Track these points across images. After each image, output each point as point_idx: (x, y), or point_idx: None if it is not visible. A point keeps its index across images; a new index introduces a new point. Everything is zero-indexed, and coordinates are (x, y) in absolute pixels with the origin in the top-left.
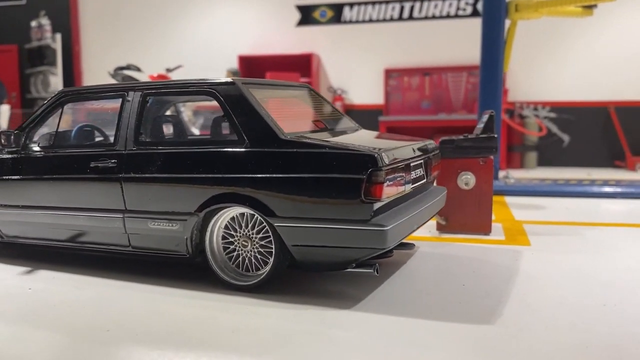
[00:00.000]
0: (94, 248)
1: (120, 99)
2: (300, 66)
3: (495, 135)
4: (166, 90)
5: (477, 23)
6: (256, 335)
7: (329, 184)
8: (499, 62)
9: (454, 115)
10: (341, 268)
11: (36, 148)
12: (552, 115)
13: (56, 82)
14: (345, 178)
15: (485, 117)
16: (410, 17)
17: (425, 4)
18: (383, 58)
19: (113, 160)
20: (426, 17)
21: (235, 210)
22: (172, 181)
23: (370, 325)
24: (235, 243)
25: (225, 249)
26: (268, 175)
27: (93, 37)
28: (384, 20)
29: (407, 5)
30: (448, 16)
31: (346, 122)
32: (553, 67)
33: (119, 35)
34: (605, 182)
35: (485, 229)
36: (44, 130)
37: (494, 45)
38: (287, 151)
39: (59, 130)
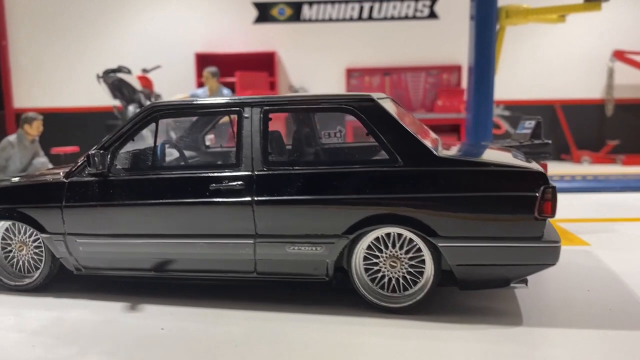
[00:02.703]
0: (204, 277)
1: (235, 115)
2: (262, 65)
3: (550, 142)
4: (292, 107)
5: (434, 25)
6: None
7: (498, 202)
8: (491, 65)
9: (414, 114)
10: (503, 285)
11: (127, 169)
12: (507, 113)
13: None
14: (517, 196)
15: (530, 124)
16: (370, 18)
17: (384, 4)
18: (344, 57)
19: (240, 183)
20: (385, 18)
21: (381, 231)
22: (316, 203)
23: (567, 341)
24: (381, 264)
25: (367, 270)
26: (429, 195)
27: (22, 32)
28: (344, 19)
29: (367, 6)
30: (406, 17)
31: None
32: (507, 68)
33: (53, 30)
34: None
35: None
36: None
37: (487, 48)
38: (449, 169)
39: (142, 148)
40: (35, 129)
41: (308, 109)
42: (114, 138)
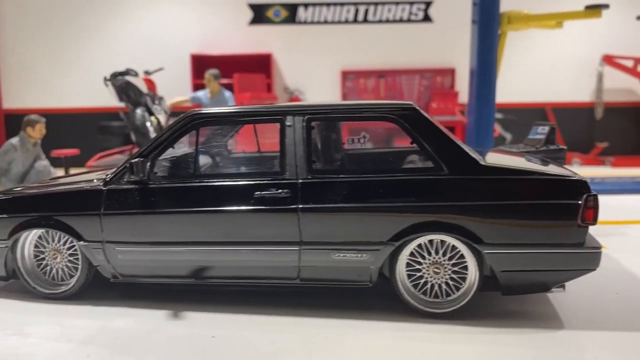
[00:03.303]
0: (244, 283)
1: (278, 124)
2: (257, 66)
3: (565, 147)
4: (335, 116)
5: (428, 28)
6: None
7: (543, 210)
8: (492, 69)
9: None
10: (544, 290)
11: (167, 177)
12: (499, 116)
13: None
14: (562, 204)
15: (544, 129)
16: (365, 20)
17: (380, 7)
18: (339, 60)
19: (285, 190)
20: (380, 21)
21: (425, 238)
22: (362, 211)
23: (613, 344)
24: (424, 270)
25: (409, 276)
26: (475, 203)
27: (10, 32)
28: (340, 22)
29: (362, 9)
30: (401, 20)
31: None
32: (501, 72)
33: (42, 29)
34: None
35: None
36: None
37: (489, 53)
38: (495, 178)
39: (181, 155)
40: (38, 131)
41: (350, 118)
42: (153, 146)
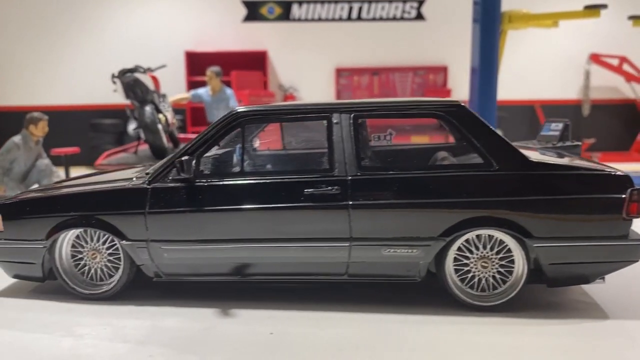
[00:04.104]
0: (291, 279)
1: (324, 121)
2: (252, 64)
3: (580, 143)
4: (381, 113)
5: (421, 26)
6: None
7: (589, 204)
8: (494, 67)
9: None
10: (587, 282)
11: (213, 174)
12: None
13: None
14: (608, 198)
15: (557, 126)
16: (359, 18)
17: (373, 5)
18: (333, 57)
19: (335, 187)
20: (374, 19)
21: (473, 233)
22: (413, 207)
23: None
24: (471, 264)
25: (456, 270)
26: (525, 198)
27: None
28: (333, 19)
29: (356, 6)
30: (394, 18)
31: None
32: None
33: (31, 26)
34: None
35: None
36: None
37: (490, 51)
38: (544, 174)
39: (224, 152)
40: (40, 129)
41: (397, 115)
42: (198, 143)
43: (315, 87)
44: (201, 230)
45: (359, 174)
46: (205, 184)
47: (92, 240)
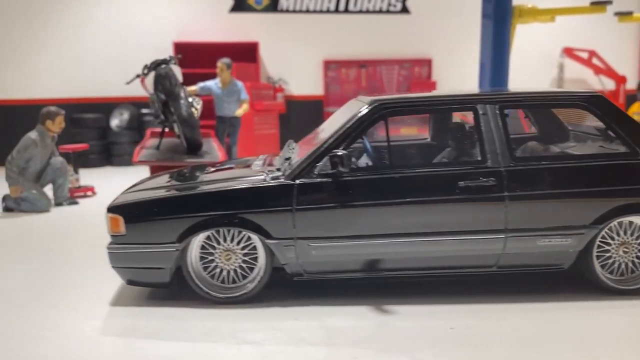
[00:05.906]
0: (438, 274)
1: (471, 112)
2: (241, 55)
3: None
4: (526, 103)
5: (406, 19)
6: None
7: None
8: (505, 61)
9: None
10: None
11: (362, 169)
12: None
13: None
14: None
15: None
16: (346, 10)
17: None
18: (321, 49)
19: (491, 179)
20: (361, 11)
21: (621, 219)
22: (567, 196)
23: None
24: (612, 250)
25: (597, 257)
26: None
27: None
28: (321, 11)
29: None
30: (380, 11)
31: None
32: (471, 62)
33: (12, 17)
34: None
35: None
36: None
37: (502, 45)
38: None
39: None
40: (57, 125)
41: (542, 105)
42: (341, 137)
43: (303, 80)
44: (351, 226)
45: (512, 164)
46: (354, 179)
47: (224, 240)
